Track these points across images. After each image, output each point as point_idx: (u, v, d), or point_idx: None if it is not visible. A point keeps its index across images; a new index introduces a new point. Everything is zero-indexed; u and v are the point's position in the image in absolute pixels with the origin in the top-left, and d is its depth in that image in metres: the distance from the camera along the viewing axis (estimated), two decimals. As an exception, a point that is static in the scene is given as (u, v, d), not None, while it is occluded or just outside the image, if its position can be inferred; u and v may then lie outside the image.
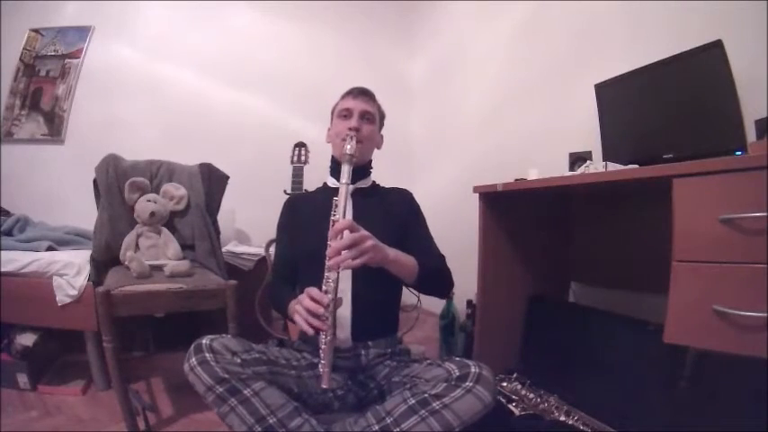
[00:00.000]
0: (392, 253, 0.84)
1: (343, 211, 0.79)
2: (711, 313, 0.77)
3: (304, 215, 1.04)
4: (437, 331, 1.92)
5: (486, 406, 0.70)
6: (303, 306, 0.76)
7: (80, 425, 1.27)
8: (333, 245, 0.75)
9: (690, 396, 0.99)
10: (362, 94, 1.04)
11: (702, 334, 0.80)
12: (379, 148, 1.10)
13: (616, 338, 1.20)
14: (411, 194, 1.11)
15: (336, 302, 0.76)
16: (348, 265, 0.74)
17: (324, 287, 0.76)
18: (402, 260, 0.87)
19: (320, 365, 0.74)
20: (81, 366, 1.55)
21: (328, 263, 0.76)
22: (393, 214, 1.02)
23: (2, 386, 1.44)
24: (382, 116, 1.10)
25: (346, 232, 0.76)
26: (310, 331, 0.74)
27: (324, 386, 0.73)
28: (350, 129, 0.97)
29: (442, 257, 1.01)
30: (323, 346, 0.74)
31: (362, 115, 1.01)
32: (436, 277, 0.96)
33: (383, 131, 1.11)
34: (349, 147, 0.85)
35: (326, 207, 0.84)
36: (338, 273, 0.76)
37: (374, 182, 1.10)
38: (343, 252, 0.74)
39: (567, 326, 1.38)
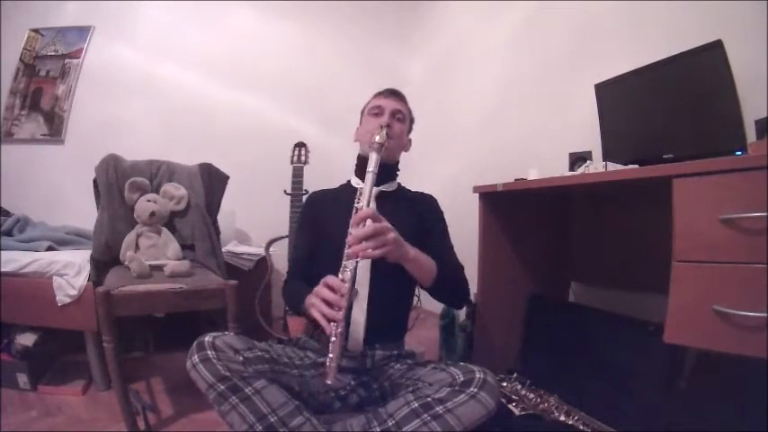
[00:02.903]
0: (413, 251, 0.83)
1: (367, 199, 0.78)
2: (711, 313, 0.76)
3: (326, 212, 1.02)
4: (437, 331, 1.91)
5: (489, 412, 0.70)
6: (319, 296, 0.74)
7: (80, 425, 1.27)
8: (354, 233, 0.74)
9: (690, 396, 0.99)
10: (394, 94, 1.04)
11: (702, 334, 0.80)
12: (406, 150, 1.09)
13: (616, 338, 1.20)
14: (436, 201, 1.10)
15: (353, 293, 0.74)
16: (368, 254, 0.74)
17: (341, 275, 0.75)
18: (422, 260, 0.86)
19: (327, 359, 0.72)
20: (81, 366, 1.55)
21: (348, 251, 0.74)
22: (416, 219, 1.00)
23: (2, 386, 1.44)
24: (412, 120, 1.09)
25: (369, 221, 0.75)
26: (327, 326, 0.71)
27: (328, 381, 0.71)
28: (380, 125, 0.95)
29: (461, 267, 0.99)
30: (333, 339, 0.72)
31: (394, 113, 1.01)
32: (453, 284, 0.95)
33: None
34: (378, 137, 0.84)
35: (350, 205, 0.84)
36: (357, 262, 0.75)
37: (400, 184, 1.09)
38: (363, 242, 0.73)
39: (567, 326, 1.37)
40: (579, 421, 1.02)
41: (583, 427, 1.01)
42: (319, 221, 1.02)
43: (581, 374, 1.21)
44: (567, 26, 1.78)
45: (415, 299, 1.77)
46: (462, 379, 0.72)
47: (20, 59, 2.19)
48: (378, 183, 0.97)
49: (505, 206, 1.43)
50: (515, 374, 1.20)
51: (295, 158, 1.95)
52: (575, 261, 1.60)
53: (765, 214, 0.71)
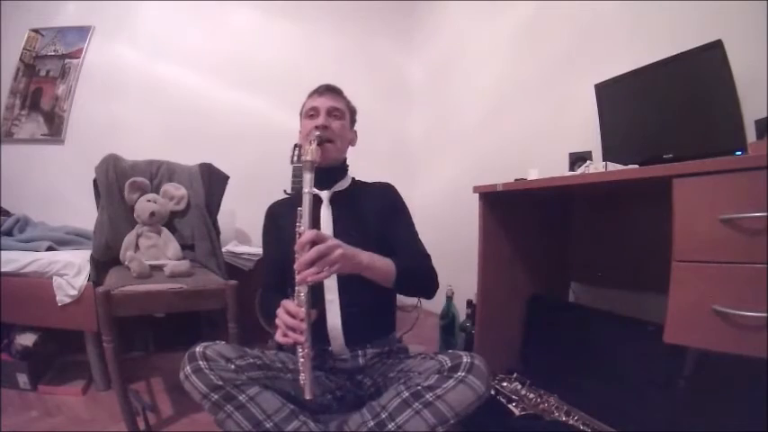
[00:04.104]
0: (366, 259, 0.81)
1: (307, 221, 0.76)
2: (711, 313, 0.76)
3: (284, 223, 0.99)
4: (437, 331, 1.92)
5: (479, 396, 0.70)
6: (281, 320, 0.74)
7: (80, 425, 1.27)
8: (299, 259, 0.73)
9: (690, 396, 0.99)
10: (328, 90, 1.00)
11: (702, 334, 0.80)
12: (353, 144, 1.05)
13: (616, 338, 1.20)
14: (393, 189, 1.06)
15: (310, 315, 0.74)
16: (315, 279, 0.72)
17: (296, 301, 0.74)
18: (377, 265, 0.83)
19: (301, 378, 0.72)
20: (81, 366, 1.55)
21: (297, 278, 0.73)
22: (373, 214, 0.98)
23: (2, 386, 1.44)
24: (353, 112, 1.05)
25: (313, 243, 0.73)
26: (288, 341, 0.72)
27: (307, 397, 0.71)
28: (316, 127, 0.93)
29: (427, 257, 0.97)
30: (301, 360, 0.72)
31: (330, 112, 0.97)
32: (416, 279, 0.92)
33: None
34: (310, 154, 0.81)
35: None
36: (308, 286, 0.73)
37: (354, 179, 1.06)
38: (310, 266, 0.71)
39: (567, 326, 1.38)
40: (579, 421, 1.02)
41: (583, 427, 1.01)
42: (280, 232, 1.00)
43: (581, 374, 1.21)
44: (566, 26, 1.78)
45: (416, 299, 1.77)
46: (450, 364, 0.72)
47: (20, 59, 2.18)
48: (329, 184, 0.97)
49: (505, 206, 1.43)
50: (515, 374, 1.20)
51: (295, 158, 1.95)
52: (575, 261, 1.60)
53: (765, 214, 0.71)
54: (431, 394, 0.69)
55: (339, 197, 0.98)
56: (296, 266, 0.73)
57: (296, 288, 0.74)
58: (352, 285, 0.88)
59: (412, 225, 1.02)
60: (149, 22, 2.36)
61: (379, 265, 0.84)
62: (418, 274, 0.93)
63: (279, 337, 0.74)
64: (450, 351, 0.77)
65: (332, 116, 0.97)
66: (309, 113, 0.98)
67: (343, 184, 1.01)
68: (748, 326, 0.73)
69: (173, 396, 1.47)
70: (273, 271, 1.02)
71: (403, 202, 1.05)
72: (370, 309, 0.92)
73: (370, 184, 1.07)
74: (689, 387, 0.99)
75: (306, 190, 0.77)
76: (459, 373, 0.71)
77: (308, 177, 0.79)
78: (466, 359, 0.72)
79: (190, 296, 1.33)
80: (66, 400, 1.42)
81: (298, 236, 0.76)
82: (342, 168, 1.03)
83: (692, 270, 0.81)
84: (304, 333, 0.71)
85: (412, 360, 0.82)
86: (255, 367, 0.78)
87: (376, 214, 0.98)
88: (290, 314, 0.74)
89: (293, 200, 1.06)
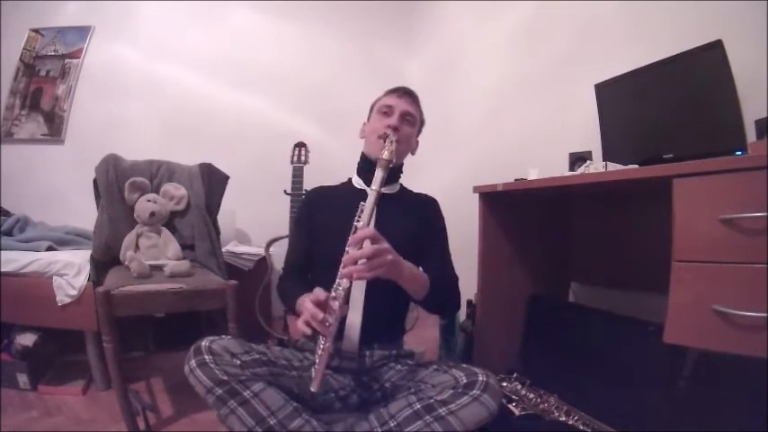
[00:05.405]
0: (408, 270, 0.81)
1: (368, 218, 0.75)
2: (711, 313, 0.76)
3: (324, 213, 1.00)
4: (437, 331, 1.92)
5: (490, 414, 0.71)
6: (308, 308, 0.74)
7: (80, 425, 1.27)
8: (351, 253, 0.72)
9: (690, 396, 0.99)
10: (407, 94, 1.00)
11: (702, 334, 0.80)
12: (413, 153, 1.05)
13: (616, 338, 1.20)
14: (437, 205, 1.07)
15: (342, 310, 0.73)
16: (362, 276, 0.72)
17: (333, 293, 0.73)
18: (416, 279, 0.85)
19: (313, 368, 0.72)
20: (81, 366, 1.55)
21: (342, 270, 0.72)
22: (414, 225, 0.98)
23: (2, 386, 1.44)
24: (422, 122, 1.06)
25: (367, 242, 0.73)
26: (308, 331, 0.72)
27: (313, 389, 0.71)
28: (389, 126, 0.93)
29: (455, 279, 0.99)
30: (320, 351, 0.72)
31: (404, 115, 0.97)
32: (444, 298, 0.95)
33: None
34: (387, 152, 0.81)
35: (349, 209, 0.81)
36: (351, 282, 0.73)
37: (401, 186, 1.06)
38: (359, 262, 0.71)
39: (567, 326, 1.37)
40: (579, 421, 1.02)
41: (583, 427, 1.01)
42: (316, 221, 1.00)
43: (581, 374, 1.21)
44: (567, 26, 1.78)
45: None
46: (465, 381, 0.72)
47: (20, 59, 2.19)
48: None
49: (505, 206, 1.43)
50: (515, 374, 1.20)
51: (295, 158, 1.95)
52: (575, 261, 1.60)
53: (765, 214, 0.71)
54: (444, 409, 0.70)
55: (384, 200, 0.94)
56: (344, 259, 0.72)
57: (337, 280, 0.74)
58: (377, 285, 0.87)
59: (447, 246, 1.03)
60: (149, 22, 2.36)
61: (418, 278, 0.85)
62: (447, 294, 0.95)
63: (301, 324, 0.73)
64: (463, 366, 0.77)
65: (404, 120, 0.97)
66: (383, 110, 0.98)
67: (391, 189, 1.01)
68: (748, 326, 0.73)
69: (173, 396, 1.47)
70: (296, 259, 1.03)
71: (443, 221, 1.05)
72: (389, 310, 0.93)
73: (416, 195, 1.08)
74: (689, 387, 0.99)
75: (374, 187, 0.77)
76: (474, 391, 0.71)
77: (379, 175, 0.78)
78: (482, 378, 0.73)
79: (190, 296, 1.33)
80: (66, 400, 1.42)
81: (354, 229, 0.76)
82: (396, 173, 1.02)
83: (691, 270, 0.81)
84: (331, 326, 0.71)
85: (423, 371, 0.82)
86: (260, 363, 0.78)
87: (415, 226, 0.98)
88: (319, 303, 0.73)
89: (335, 190, 1.06)
